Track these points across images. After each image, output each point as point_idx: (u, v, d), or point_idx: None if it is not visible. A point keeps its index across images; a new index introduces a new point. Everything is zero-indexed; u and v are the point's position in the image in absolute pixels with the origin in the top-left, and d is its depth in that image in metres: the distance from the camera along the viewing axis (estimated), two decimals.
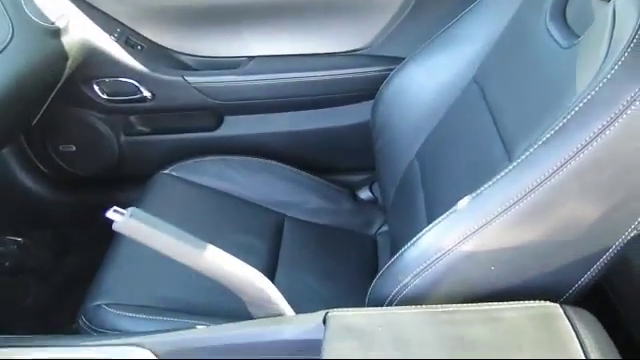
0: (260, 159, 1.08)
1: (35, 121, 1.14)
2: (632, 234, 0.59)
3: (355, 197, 1.11)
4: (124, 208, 0.60)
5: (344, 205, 1.07)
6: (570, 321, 0.56)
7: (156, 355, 0.64)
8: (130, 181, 1.21)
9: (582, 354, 0.52)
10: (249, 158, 1.08)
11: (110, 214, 0.59)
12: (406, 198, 0.92)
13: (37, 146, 1.23)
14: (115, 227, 0.60)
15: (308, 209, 1.04)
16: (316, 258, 0.98)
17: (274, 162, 1.08)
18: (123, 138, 1.20)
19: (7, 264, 1.27)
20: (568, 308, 0.58)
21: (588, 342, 0.54)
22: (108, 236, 0.88)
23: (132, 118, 1.19)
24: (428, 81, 0.91)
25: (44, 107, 1.11)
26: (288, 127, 1.15)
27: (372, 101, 1.01)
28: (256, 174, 1.07)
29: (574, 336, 0.54)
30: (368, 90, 1.05)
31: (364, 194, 1.11)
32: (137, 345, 0.65)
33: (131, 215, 0.59)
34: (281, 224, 1.02)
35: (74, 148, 1.21)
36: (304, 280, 0.92)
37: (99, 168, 1.23)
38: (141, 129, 1.20)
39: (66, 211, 1.28)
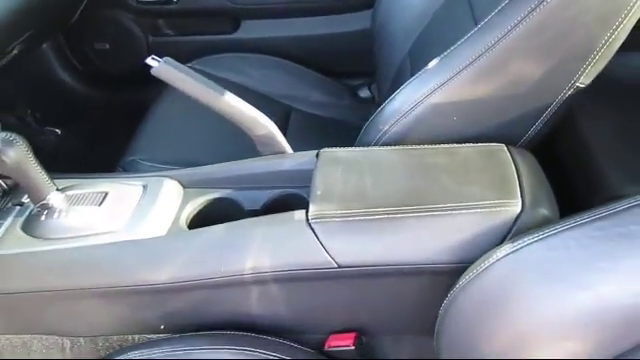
0: (272, 57, 1.22)
1: (73, 20, 1.28)
2: (569, 92, 0.72)
3: (355, 95, 1.25)
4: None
5: (345, 100, 1.21)
6: (511, 155, 0.71)
7: (182, 185, 0.80)
8: (154, 80, 1.36)
9: (516, 176, 0.67)
10: (262, 56, 1.22)
11: (149, 60, 0.74)
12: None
13: (74, 44, 1.38)
14: (153, 71, 0.75)
15: (312, 102, 1.18)
16: (318, 145, 1.13)
17: (284, 60, 1.22)
18: (151, 39, 1.34)
19: (47, 152, 1.44)
20: (512, 147, 0.72)
21: (522, 167, 0.68)
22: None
23: (159, 21, 1.33)
24: None
25: (81, 7, 1.25)
26: (296, 32, 1.29)
27: (371, 10, 1.14)
28: (267, 69, 1.20)
29: (512, 163, 0.69)
30: None
31: (363, 93, 1.25)
32: (168, 177, 0.81)
33: (165, 62, 0.73)
34: (288, 114, 1.16)
35: (107, 46, 1.35)
36: None
37: (129, 65, 1.37)
38: (167, 31, 1.34)
39: (99, 105, 1.43)
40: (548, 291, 0.53)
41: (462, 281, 0.58)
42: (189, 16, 1.31)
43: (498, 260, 0.56)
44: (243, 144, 0.83)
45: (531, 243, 0.54)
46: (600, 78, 0.73)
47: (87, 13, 1.28)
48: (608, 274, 0.51)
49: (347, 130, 1.19)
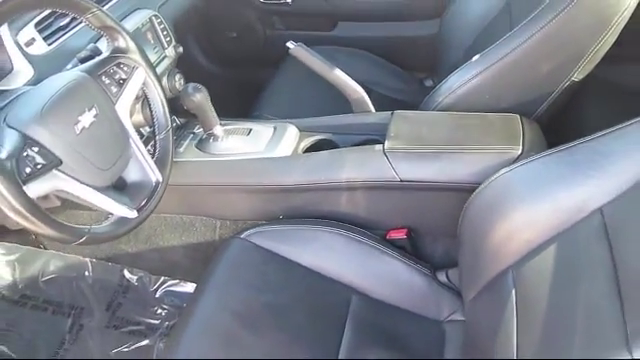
0: (359, 50, 1.60)
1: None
2: (567, 84, 1.06)
3: (421, 83, 1.61)
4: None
5: (413, 87, 1.58)
6: (522, 122, 1.05)
7: (299, 129, 1.19)
8: (268, 63, 1.77)
9: (522, 133, 1.02)
10: (351, 49, 1.61)
11: (289, 44, 1.14)
12: None
13: (210, 33, 1.81)
14: (291, 51, 1.15)
15: (387, 86, 1.54)
16: None
17: (368, 53, 1.60)
18: (268, 31, 1.76)
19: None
20: (523, 117, 1.07)
21: (527, 129, 1.03)
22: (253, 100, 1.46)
23: (275, 17, 1.74)
24: None
25: None
26: (380, 33, 1.67)
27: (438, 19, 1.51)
28: (354, 60, 1.58)
29: (520, 126, 1.04)
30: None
31: (427, 83, 1.61)
32: (288, 122, 1.21)
33: (299, 45, 1.14)
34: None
35: (234, 35, 1.78)
36: None
37: (249, 50, 1.79)
38: (280, 26, 1.75)
39: (224, 81, 1.86)
40: (529, 198, 0.88)
41: (474, 194, 0.94)
42: (299, 15, 1.71)
43: (496, 178, 0.91)
44: (337, 106, 1.22)
45: (519, 166, 0.90)
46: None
47: (221, 9, 1.71)
48: (563, 186, 0.85)
49: (412, 109, 1.56)
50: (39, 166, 0.71)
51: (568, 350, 0.69)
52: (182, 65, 1.34)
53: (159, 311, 1.24)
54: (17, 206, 0.66)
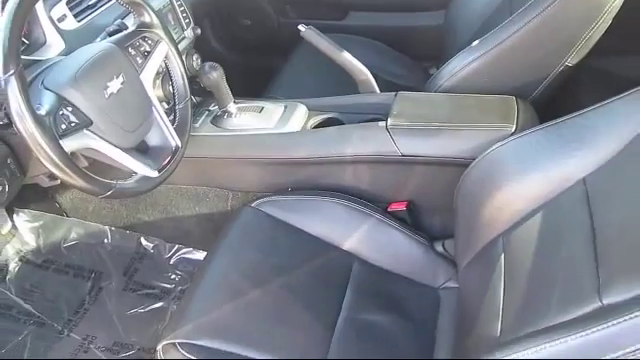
0: (367, 38, 1.68)
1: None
2: (560, 68, 1.13)
3: (426, 71, 1.68)
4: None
5: (418, 75, 1.64)
6: (517, 103, 1.12)
7: (308, 108, 1.27)
8: (280, 50, 1.84)
9: (516, 114, 1.09)
10: (360, 37, 1.68)
11: (300, 27, 1.22)
12: None
13: (225, 20, 1.89)
14: (302, 34, 1.22)
15: (393, 73, 1.61)
16: None
17: (376, 41, 1.67)
18: (281, 19, 1.83)
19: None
20: (519, 99, 1.14)
21: (521, 109, 1.10)
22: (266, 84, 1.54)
23: (288, 6, 1.82)
24: None
25: None
26: (388, 23, 1.74)
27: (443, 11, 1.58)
28: (363, 47, 1.62)
29: (515, 107, 1.11)
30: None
31: (432, 70, 1.67)
32: (298, 102, 1.28)
33: (310, 28, 1.21)
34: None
35: (249, 22, 1.86)
36: None
37: (262, 37, 1.87)
38: (292, 15, 1.83)
39: (237, 67, 1.93)
40: (519, 170, 0.95)
41: (470, 167, 1.01)
42: (311, 4, 1.79)
43: (489, 153, 0.98)
44: (343, 87, 1.29)
45: (511, 141, 0.97)
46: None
47: None
48: (551, 159, 0.92)
49: None
50: (73, 124, 0.79)
51: (547, 303, 0.76)
52: (198, 50, 1.42)
53: (173, 276, 1.32)
54: (54, 157, 0.74)
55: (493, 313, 0.86)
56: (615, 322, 0.60)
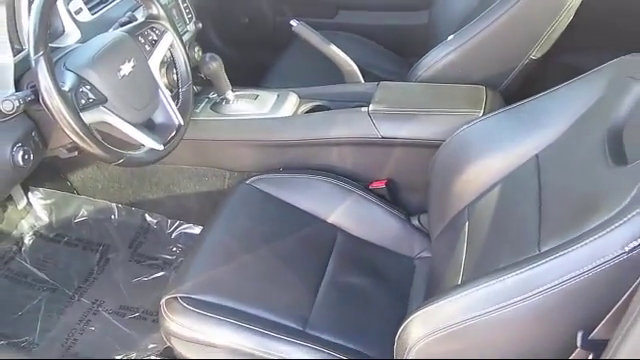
0: (356, 35, 1.80)
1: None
2: (526, 62, 1.25)
3: (411, 66, 1.80)
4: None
5: (403, 70, 1.75)
6: (486, 92, 1.25)
7: (299, 97, 1.39)
8: (276, 47, 1.96)
9: (484, 101, 1.21)
10: (350, 34, 1.80)
11: (292, 22, 1.34)
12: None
13: (225, 18, 2.01)
14: (294, 28, 1.35)
15: (381, 68, 1.74)
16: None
17: (365, 38, 1.80)
18: (277, 18, 1.96)
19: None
20: (488, 89, 1.26)
21: (489, 97, 1.22)
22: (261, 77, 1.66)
23: (284, 6, 1.94)
24: None
25: None
26: (377, 22, 1.86)
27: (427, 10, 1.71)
28: (352, 43, 1.75)
29: (484, 95, 1.23)
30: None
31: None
32: (290, 90, 1.40)
33: (301, 24, 1.34)
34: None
35: (247, 20, 1.98)
36: None
37: (260, 34, 2.00)
38: (288, 13, 1.95)
39: (235, 62, 2.05)
40: (483, 148, 1.07)
41: (440, 147, 1.13)
42: (304, 4, 1.91)
43: (458, 134, 1.10)
44: (331, 78, 1.41)
45: (477, 123, 1.09)
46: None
47: None
48: (511, 137, 1.04)
49: None
50: (91, 100, 0.92)
51: (498, 256, 0.89)
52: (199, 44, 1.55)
53: (174, 249, 1.44)
54: (76, 127, 0.87)
55: (455, 271, 0.98)
56: (543, 262, 0.72)
